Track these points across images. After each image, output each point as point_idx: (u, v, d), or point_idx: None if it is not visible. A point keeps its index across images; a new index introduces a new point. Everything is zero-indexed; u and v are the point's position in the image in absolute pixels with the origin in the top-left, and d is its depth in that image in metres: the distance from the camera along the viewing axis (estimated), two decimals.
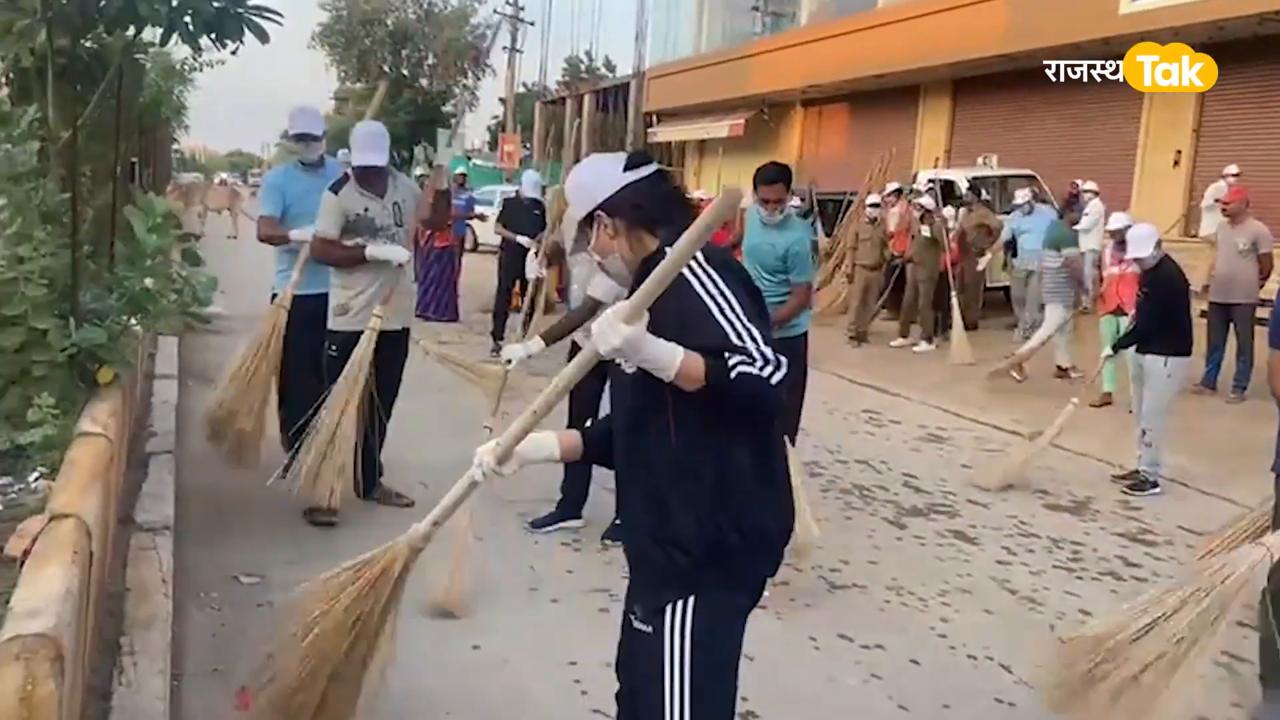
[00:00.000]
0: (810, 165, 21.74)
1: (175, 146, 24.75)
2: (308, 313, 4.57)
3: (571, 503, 4.57)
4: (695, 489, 1.84)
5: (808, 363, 5.06)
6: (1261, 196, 10.35)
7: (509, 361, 4.22)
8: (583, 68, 44.37)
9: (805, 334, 4.93)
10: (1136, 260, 5.80)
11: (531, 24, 37.77)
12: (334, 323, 4.39)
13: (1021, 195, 10.99)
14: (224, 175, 41.86)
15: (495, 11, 39.07)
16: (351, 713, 2.33)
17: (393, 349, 4.46)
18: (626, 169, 1.95)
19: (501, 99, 38.75)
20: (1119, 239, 7.45)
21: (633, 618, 1.99)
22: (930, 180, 13.43)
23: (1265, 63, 12.55)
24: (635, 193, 1.94)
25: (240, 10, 4.10)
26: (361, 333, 4.31)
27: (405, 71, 50.67)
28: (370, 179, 4.33)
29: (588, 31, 75.26)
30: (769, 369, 1.73)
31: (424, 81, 51.32)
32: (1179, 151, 13.70)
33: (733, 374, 1.70)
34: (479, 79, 51.09)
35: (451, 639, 3.39)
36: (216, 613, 3.40)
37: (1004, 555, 4.69)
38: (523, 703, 3.04)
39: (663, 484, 1.87)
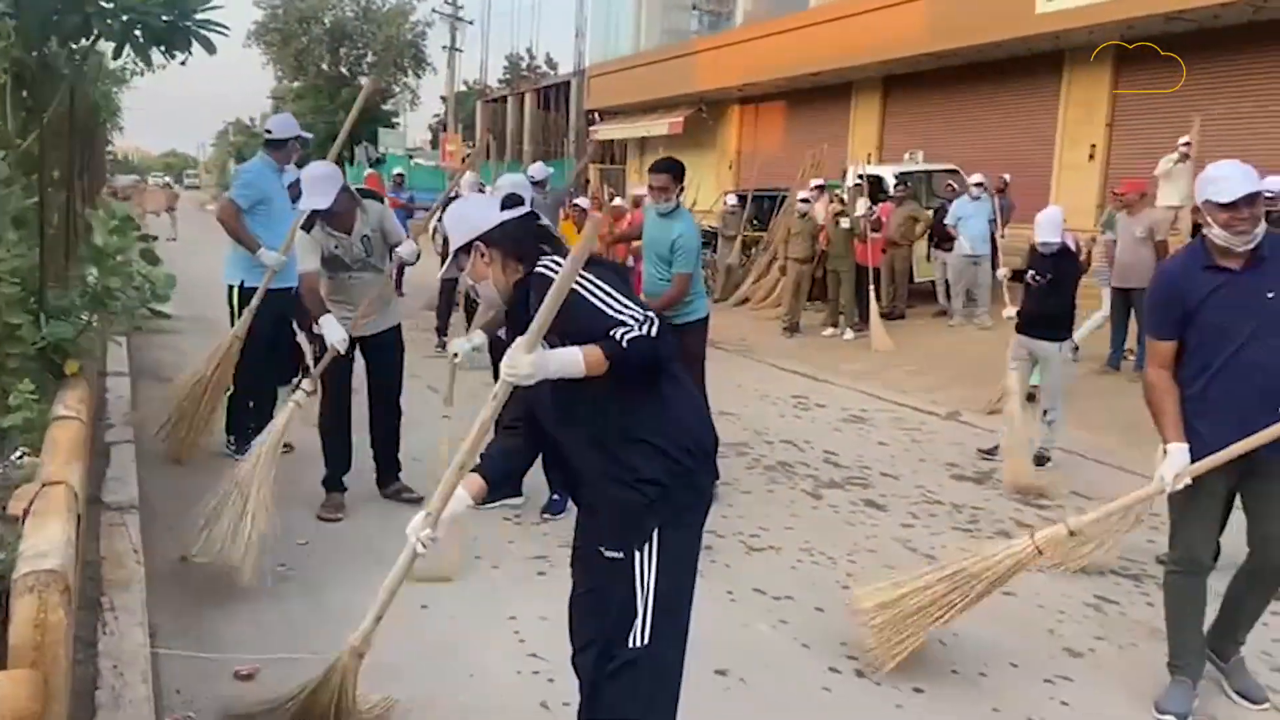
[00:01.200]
0: (748, 161, 22.28)
1: (109, 148, 24.46)
2: (275, 305, 4.91)
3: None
4: (644, 434, 2.22)
5: (705, 348, 5.41)
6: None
7: (455, 355, 4.55)
8: (524, 65, 44.50)
9: (701, 320, 5.28)
10: (1043, 244, 6.00)
11: (470, 23, 37.83)
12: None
13: (974, 182, 11.51)
14: (163, 177, 41.32)
15: (434, 10, 38.97)
16: None
17: (380, 351, 4.73)
18: (503, 209, 2.36)
19: (443, 97, 38.74)
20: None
21: (601, 549, 2.31)
22: (859, 176, 14.00)
23: (1172, 59, 13.25)
24: (510, 229, 2.34)
25: (188, 24, 4.38)
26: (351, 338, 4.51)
27: (344, 70, 50.30)
28: (333, 219, 4.42)
29: (527, 29, 75.24)
30: (646, 325, 2.12)
31: (363, 80, 50.96)
32: (1094, 146, 14.36)
33: (625, 344, 2.11)
34: (419, 77, 50.91)
35: (400, 600, 3.72)
36: (181, 585, 3.68)
37: (909, 520, 5.13)
38: (467, 652, 3.38)
39: (617, 447, 2.23)
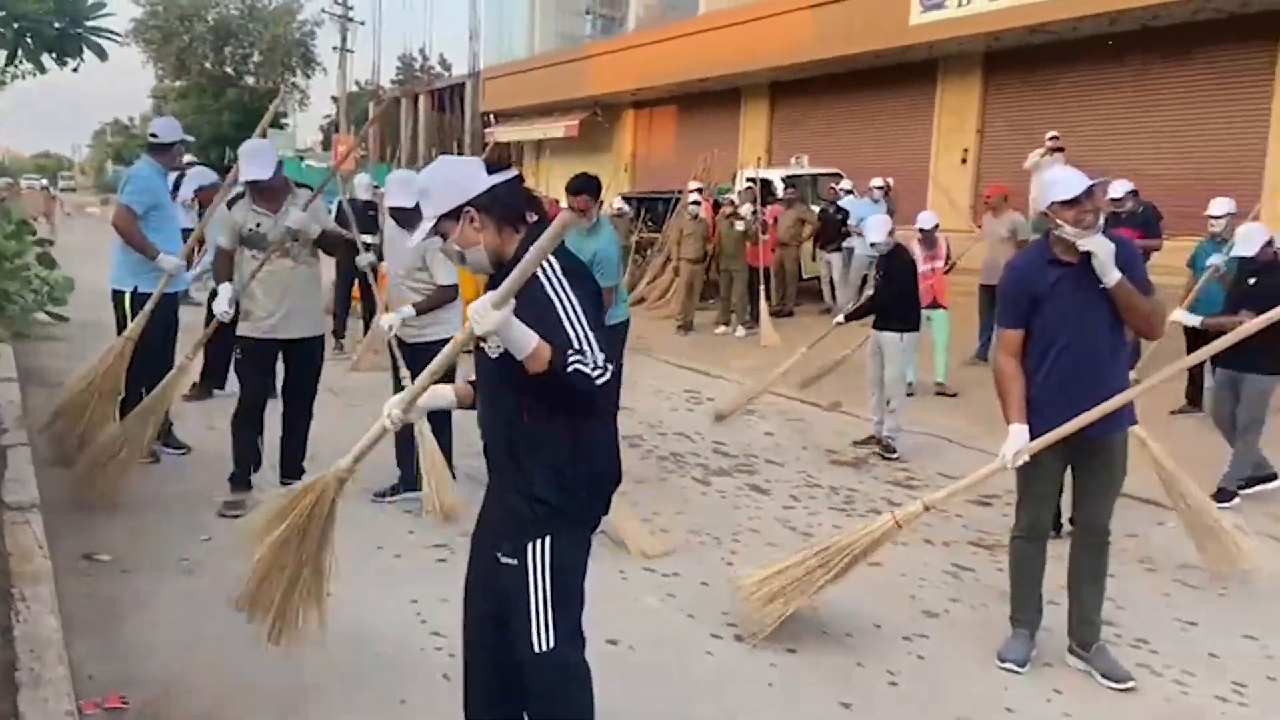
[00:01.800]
0: (643, 164, 22.66)
1: None
2: (169, 311, 5.02)
3: (407, 482, 5.03)
4: (548, 455, 2.29)
5: (624, 348, 5.63)
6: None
7: (389, 327, 4.78)
8: (417, 66, 44.04)
9: (623, 322, 5.44)
10: (872, 245, 6.58)
11: (362, 23, 37.28)
12: (241, 328, 4.72)
13: (875, 185, 12.13)
14: (39, 180, 39.52)
15: (323, 10, 38.25)
16: (315, 603, 2.70)
17: (303, 356, 4.82)
18: (491, 173, 2.30)
19: (334, 97, 38.04)
20: (928, 237, 8.35)
21: (498, 555, 2.38)
22: (748, 179, 14.47)
23: (1035, 69, 14.11)
24: (500, 194, 2.29)
25: (79, 30, 4.44)
26: (265, 340, 4.64)
27: (229, 69, 48.92)
28: (264, 195, 4.52)
29: (421, 30, 74.39)
30: (598, 372, 2.14)
31: (250, 80, 49.65)
32: (966, 150, 15.17)
33: (569, 368, 2.11)
34: (309, 77, 49.84)
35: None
36: (88, 578, 3.76)
37: (790, 502, 5.49)
38: (372, 631, 3.56)
39: (522, 452, 2.31)
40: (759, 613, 3.64)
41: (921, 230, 8.48)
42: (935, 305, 8.27)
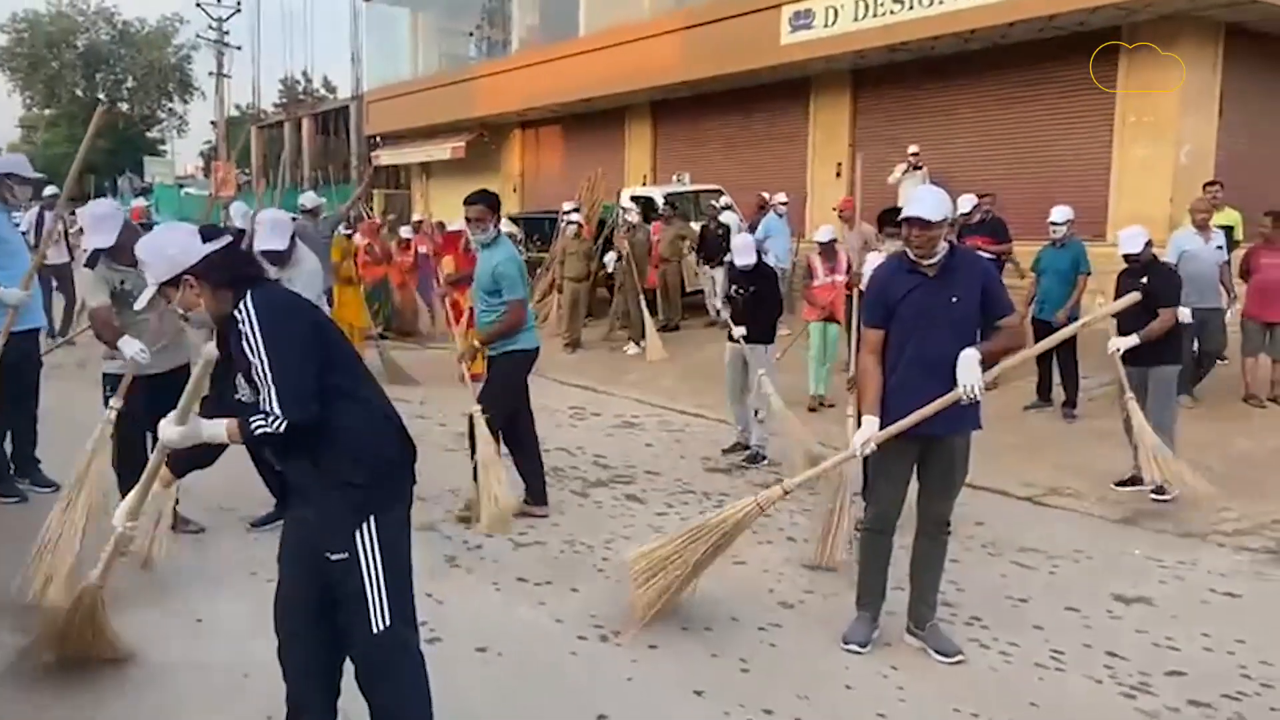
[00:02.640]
0: (530, 184, 22.81)
1: None
2: (20, 349, 4.89)
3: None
4: (340, 449, 2.52)
5: (523, 377, 5.48)
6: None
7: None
8: (300, 89, 43.30)
9: (525, 351, 5.35)
10: (742, 264, 6.81)
11: (239, 48, 36.50)
12: (106, 366, 4.65)
13: (779, 201, 12.45)
14: None
15: (199, 36, 37.33)
16: None
17: (166, 390, 4.53)
18: (204, 240, 2.58)
19: (212, 122, 37.14)
20: (828, 249, 8.61)
21: (328, 555, 2.55)
22: (632, 197, 14.77)
23: (898, 86, 14.78)
24: (217, 259, 2.56)
25: None
26: (140, 377, 4.48)
27: (102, 96, 47.26)
28: (117, 254, 4.46)
29: (301, 53, 72.97)
30: (275, 422, 2.43)
31: (124, 106, 48.09)
32: (840, 164, 15.77)
33: (256, 433, 2.47)
34: (186, 102, 48.56)
35: (177, 616, 3.93)
36: None
37: (664, 509, 5.72)
38: (247, 660, 3.62)
39: (318, 456, 2.53)
40: (642, 591, 3.84)
41: (820, 243, 8.74)
42: (832, 319, 8.48)
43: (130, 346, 4.49)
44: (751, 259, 6.80)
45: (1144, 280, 5.76)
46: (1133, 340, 5.74)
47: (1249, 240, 8.91)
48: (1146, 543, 5.21)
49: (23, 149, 53.63)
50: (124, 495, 4.71)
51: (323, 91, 44.89)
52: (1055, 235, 7.96)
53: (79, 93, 46.18)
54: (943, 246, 3.65)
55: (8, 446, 5.48)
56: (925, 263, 3.64)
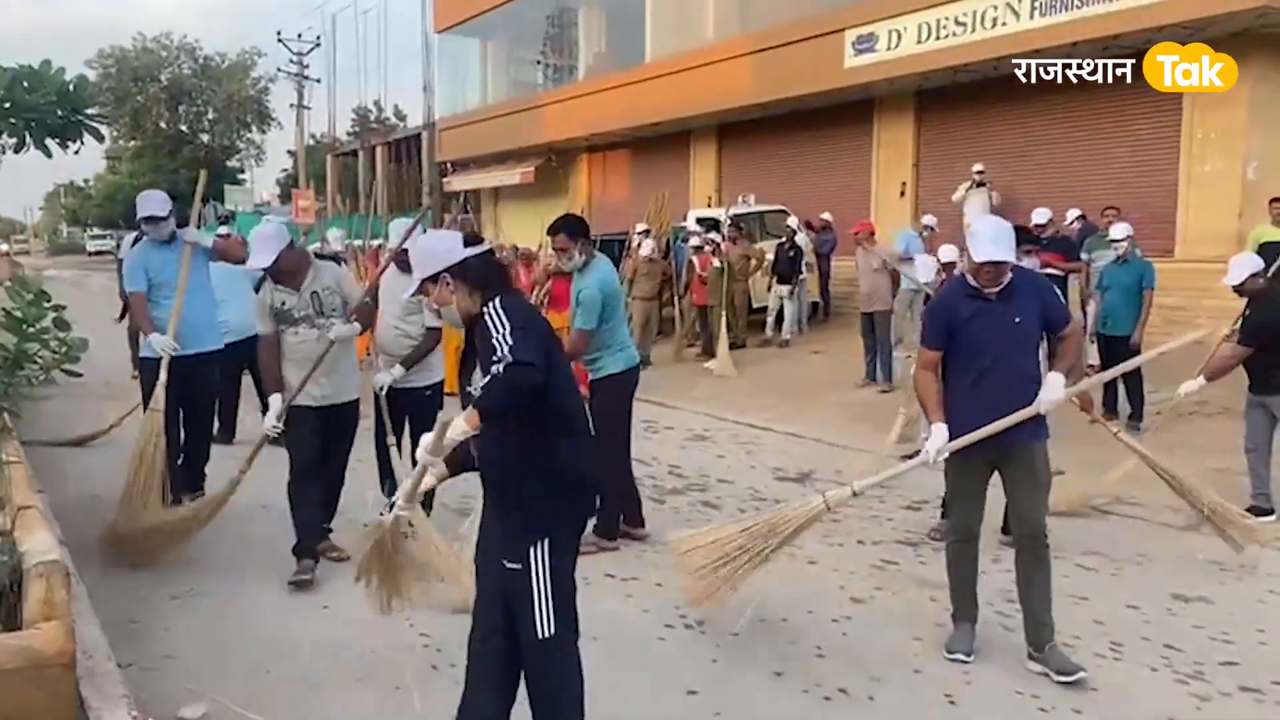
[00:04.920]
0: (598, 207, 23.33)
1: None
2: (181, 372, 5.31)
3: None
4: (536, 468, 2.73)
5: (618, 405, 5.34)
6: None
7: (381, 388, 5.13)
8: (372, 118, 44.66)
9: (609, 377, 5.25)
10: (925, 283, 7.07)
11: (318, 81, 37.83)
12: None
13: (926, 224, 12.21)
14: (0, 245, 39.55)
15: (279, 69, 38.77)
16: None
17: (336, 421, 4.81)
18: (466, 245, 2.82)
19: (290, 151, 38.55)
20: (948, 270, 8.79)
21: (504, 562, 2.77)
22: (699, 219, 15.17)
23: (963, 108, 14.95)
24: (475, 263, 2.80)
25: (80, 118, 4.94)
26: (304, 407, 4.65)
27: (184, 127, 49.30)
28: (280, 276, 4.61)
29: (375, 83, 75.42)
30: (501, 363, 2.56)
31: (205, 137, 50.06)
32: (904, 184, 15.98)
33: (480, 393, 2.64)
34: (264, 132, 50.32)
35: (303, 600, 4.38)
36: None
37: (737, 513, 6.02)
38: (367, 634, 4.03)
39: (512, 471, 2.75)
40: (693, 581, 4.03)
41: (943, 263, 8.85)
42: None
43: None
44: (930, 277, 6.95)
45: (1246, 313, 5.78)
46: (1199, 383, 5.70)
47: None
48: (1208, 548, 5.36)
49: (108, 179, 56.02)
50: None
51: (394, 120, 46.24)
52: (1118, 251, 8.12)
53: (163, 125, 48.24)
54: (1006, 277, 3.80)
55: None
56: (989, 290, 3.80)
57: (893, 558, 5.20)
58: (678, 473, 7.15)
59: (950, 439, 3.82)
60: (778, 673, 3.79)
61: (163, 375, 5.24)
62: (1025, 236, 5.16)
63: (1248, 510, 5.67)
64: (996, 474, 3.97)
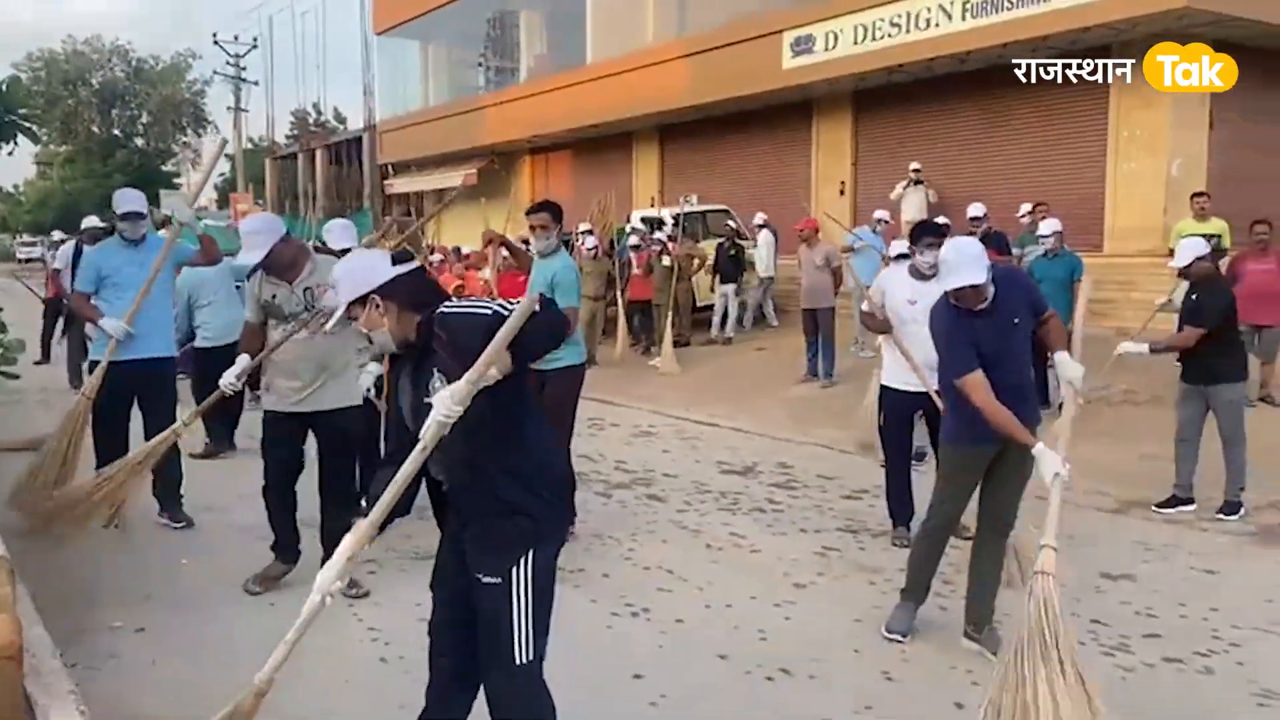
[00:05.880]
0: None
1: None
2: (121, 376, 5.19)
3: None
4: (515, 472, 2.54)
5: (574, 399, 5.45)
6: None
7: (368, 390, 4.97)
8: (312, 121, 44.08)
9: (569, 367, 5.29)
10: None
11: (255, 84, 37.27)
12: (265, 401, 4.53)
13: (879, 218, 12.37)
14: None
15: (215, 72, 38.12)
16: None
17: (328, 432, 4.47)
18: (394, 264, 2.60)
19: (229, 155, 37.80)
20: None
21: (479, 576, 2.57)
22: (643, 219, 15.26)
23: (900, 108, 15.26)
24: (404, 282, 2.58)
25: (14, 118, 4.90)
26: (279, 411, 4.41)
27: (117, 131, 48.22)
28: (275, 268, 4.34)
29: (314, 85, 74.23)
30: (536, 306, 2.38)
31: (139, 141, 49.00)
32: (843, 183, 16.24)
33: (528, 329, 2.36)
34: (200, 136, 49.41)
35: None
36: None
37: (683, 506, 6.13)
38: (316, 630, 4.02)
39: (490, 478, 2.53)
40: None
41: (893, 256, 8.67)
42: None
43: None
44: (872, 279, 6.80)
45: (1193, 296, 5.85)
46: (1142, 347, 5.81)
47: (1237, 249, 9.29)
48: (1135, 529, 5.59)
49: (39, 185, 54.57)
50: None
51: (334, 123, 45.68)
52: (1045, 246, 8.38)
53: (95, 129, 47.12)
54: (990, 290, 3.73)
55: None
56: (979, 307, 3.77)
57: (834, 545, 5.32)
58: (624, 468, 7.22)
59: (974, 432, 3.76)
60: (722, 655, 3.87)
61: (103, 365, 5.13)
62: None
63: (1168, 499, 5.93)
64: None
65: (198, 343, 7.32)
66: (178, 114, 47.23)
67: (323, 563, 3.57)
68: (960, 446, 3.91)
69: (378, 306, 2.57)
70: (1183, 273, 5.88)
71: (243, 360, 4.41)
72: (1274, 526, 5.62)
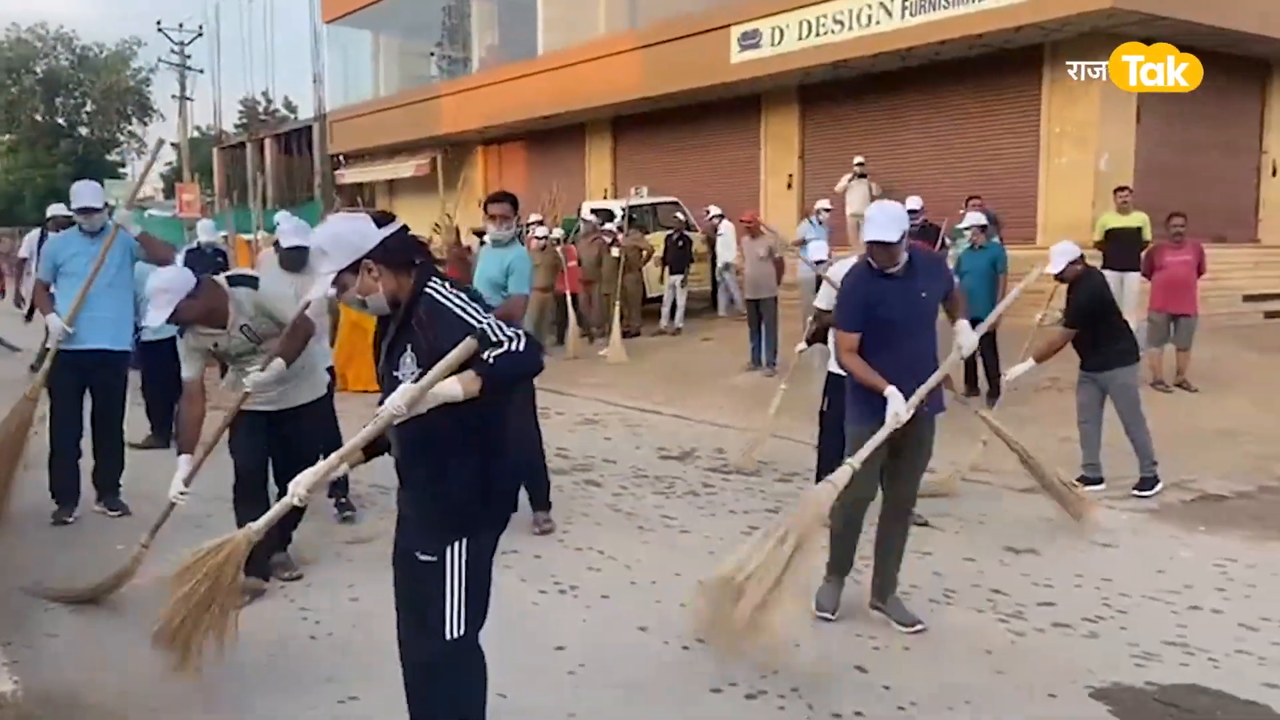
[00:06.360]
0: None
1: None
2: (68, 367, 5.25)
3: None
4: (463, 459, 2.58)
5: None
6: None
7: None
8: (261, 110, 43.54)
9: None
10: (818, 263, 7.20)
11: (201, 72, 36.72)
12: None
13: (823, 207, 12.72)
14: None
15: (160, 60, 37.52)
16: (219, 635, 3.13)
17: (291, 426, 4.46)
18: (380, 226, 2.56)
19: (174, 144, 37.25)
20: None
21: (415, 553, 2.65)
22: (593, 210, 15.42)
23: (845, 103, 15.57)
24: (394, 242, 2.56)
25: None
26: (253, 411, 4.32)
27: (61, 120, 47.28)
28: (196, 322, 4.20)
29: (262, 74, 73.30)
30: (512, 343, 2.41)
31: (84, 130, 48.08)
32: (791, 175, 16.53)
33: (492, 361, 2.37)
34: (145, 125, 48.58)
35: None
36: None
37: (620, 491, 6.34)
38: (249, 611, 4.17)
39: (437, 460, 2.58)
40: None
41: (814, 261, 8.56)
42: None
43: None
44: (824, 255, 7.05)
45: (1069, 297, 6.10)
46: (1026, 366, 6.17)
47: (1157, 240, 9.67)
48: (1045, 508, 5.86)
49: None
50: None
51: (284, 112, 45.17)
52: (968, 238, 8.70)
53: (39, 118, 46.15)
54: (904, 255, 3.96)
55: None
56: (889, 269, 4.00)
57: (760, 525, 5.52)
58: (564, 455, 7.40)
59: (873, 411, 3.95)
60: (641, 628, 4.09)
61: (46, 364, 5.20)
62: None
63: (1078, 480, 6.23)
64: None
65: (145, 336, 7.37)
66: (122, 102, 46.38)
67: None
68: (864, 426, 4.09)
69: (370, 271, 2.55)
70: (1058, 278, 6.10)
71: (183, 464, 4.08)
72: (1174, 505, 5.97)
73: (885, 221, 3.92)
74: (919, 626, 4.10)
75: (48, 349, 5.44)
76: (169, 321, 4.09)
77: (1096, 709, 3.43)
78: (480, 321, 2.46)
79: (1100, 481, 6.24)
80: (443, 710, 2.76)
